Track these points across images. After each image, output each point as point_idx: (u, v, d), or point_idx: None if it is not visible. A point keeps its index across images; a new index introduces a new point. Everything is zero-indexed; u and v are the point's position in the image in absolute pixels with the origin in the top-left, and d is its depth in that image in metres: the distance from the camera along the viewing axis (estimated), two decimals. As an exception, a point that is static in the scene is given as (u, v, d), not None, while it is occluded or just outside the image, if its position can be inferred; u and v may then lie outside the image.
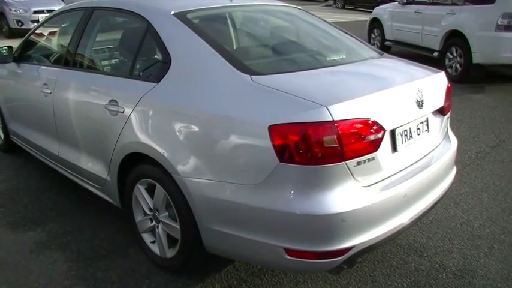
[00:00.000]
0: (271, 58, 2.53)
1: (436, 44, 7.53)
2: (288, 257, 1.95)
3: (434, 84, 2.46)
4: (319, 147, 1.83)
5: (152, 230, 2.58)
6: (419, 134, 2.31)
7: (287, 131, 1.86)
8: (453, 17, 7.19)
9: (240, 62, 2.19)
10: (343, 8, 21.64)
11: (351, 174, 1.92)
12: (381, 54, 2.83)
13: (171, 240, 2.46)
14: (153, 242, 2.60)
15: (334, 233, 1.89)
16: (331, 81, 2.24)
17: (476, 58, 6.70)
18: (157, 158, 2.27)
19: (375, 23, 9.71)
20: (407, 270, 2.56)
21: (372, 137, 1.96)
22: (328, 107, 1.84)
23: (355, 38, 3.00)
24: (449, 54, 7.25)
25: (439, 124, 2.52)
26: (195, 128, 2.13)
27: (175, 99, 2.24)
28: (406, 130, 2.21)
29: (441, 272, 2.54)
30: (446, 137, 2.64)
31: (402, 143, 2.18)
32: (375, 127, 1.97)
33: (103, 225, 3.01)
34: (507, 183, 3.67)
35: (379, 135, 1.99)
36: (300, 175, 1.87)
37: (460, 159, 4.00)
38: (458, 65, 7.09)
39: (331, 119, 1.83)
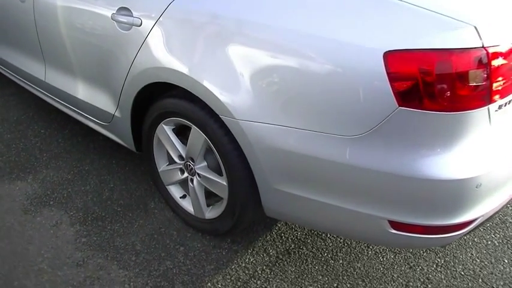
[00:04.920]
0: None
1: None
2: (393, 231, 1.46)
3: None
4: (461, 86, 1.26)
5: (182, 183, 2.03)
6: None
7: (414, 62, 1.25)
8: None
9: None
10: None
11: (490, 122, 1.37)
12: None
13: (209, 196, 1.92)
14: (183, 196, 2.06)
15: (464, 202, 1.38)
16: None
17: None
18: (197, 92, 1.64)
19: None
20: (493, 223, 2.13)
21: (519, 70, 1.39)
22: (477, 27, 1.24)
23: None
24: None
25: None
26: (260, 52, 1.47)
27: (224, 10, 1.56)
28: None
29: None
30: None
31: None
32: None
33: (110, 170, 2.41)
34: None
35: (524, 66, 1.43)
36: (426, 125, 1.30)
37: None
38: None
39: (481, 45, 1.24)
